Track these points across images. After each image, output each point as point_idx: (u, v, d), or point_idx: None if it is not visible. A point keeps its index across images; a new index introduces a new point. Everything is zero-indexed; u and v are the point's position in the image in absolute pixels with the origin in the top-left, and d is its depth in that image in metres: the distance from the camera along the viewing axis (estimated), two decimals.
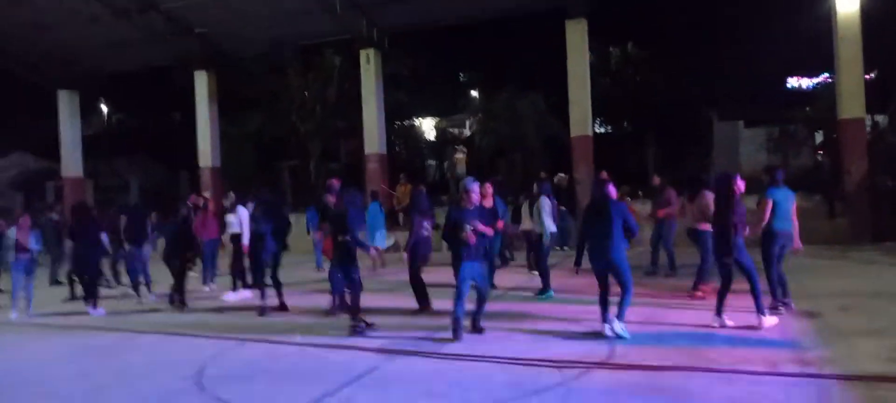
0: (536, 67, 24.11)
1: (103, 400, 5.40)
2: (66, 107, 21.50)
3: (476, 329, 6.82)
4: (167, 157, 27.22)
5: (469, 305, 6.79)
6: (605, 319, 6.46)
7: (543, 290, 8.92)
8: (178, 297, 9.45)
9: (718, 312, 6.59)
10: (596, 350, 5.95)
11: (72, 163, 21.66)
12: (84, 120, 23.17)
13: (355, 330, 7.03)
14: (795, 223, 7.17)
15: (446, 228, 6.86)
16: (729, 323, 6.51)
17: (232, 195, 10.62)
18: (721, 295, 6.59)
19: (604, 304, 6.54)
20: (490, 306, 7.20)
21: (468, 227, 6.61)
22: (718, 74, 23.02)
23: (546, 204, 9.33)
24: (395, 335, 6.98)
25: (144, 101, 29.96)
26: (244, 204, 10.11)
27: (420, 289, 8.21)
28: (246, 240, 9.52)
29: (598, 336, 6.43)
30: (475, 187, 6.92)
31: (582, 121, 16.21)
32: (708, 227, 7.71)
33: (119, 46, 19.28)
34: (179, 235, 9.76)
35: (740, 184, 6.59)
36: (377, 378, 5.52)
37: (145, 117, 32.40)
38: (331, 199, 8.01)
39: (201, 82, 19.95)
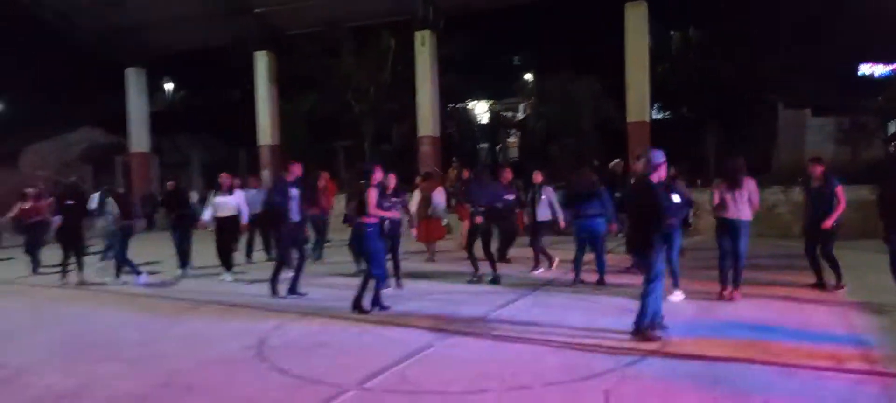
0: (592, 50, 23.65)
1: (167, 364, 5.65)
2: (134, 84, 22.36)
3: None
4: (227, 135, 27.95)
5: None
6: None
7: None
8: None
9: None
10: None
11: (139, 138, 22.52)
12: (149, 97, 24.01)
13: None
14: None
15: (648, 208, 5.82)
16: None
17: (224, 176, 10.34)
18: None
19: None
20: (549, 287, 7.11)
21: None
22: (785, 60, 22.04)
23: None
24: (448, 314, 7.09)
25: (205, 80, 30.87)
26: (242, 187, 10.69)
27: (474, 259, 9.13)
28: (245, 220, 10.00)
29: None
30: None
31: (639, 106, 15.89)
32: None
33: (181, 22, 19.87)
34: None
35: None
36: (431, 356, 5.61)
37: (206, 95, 33.37)
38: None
39: (261, 63, 20.40)
